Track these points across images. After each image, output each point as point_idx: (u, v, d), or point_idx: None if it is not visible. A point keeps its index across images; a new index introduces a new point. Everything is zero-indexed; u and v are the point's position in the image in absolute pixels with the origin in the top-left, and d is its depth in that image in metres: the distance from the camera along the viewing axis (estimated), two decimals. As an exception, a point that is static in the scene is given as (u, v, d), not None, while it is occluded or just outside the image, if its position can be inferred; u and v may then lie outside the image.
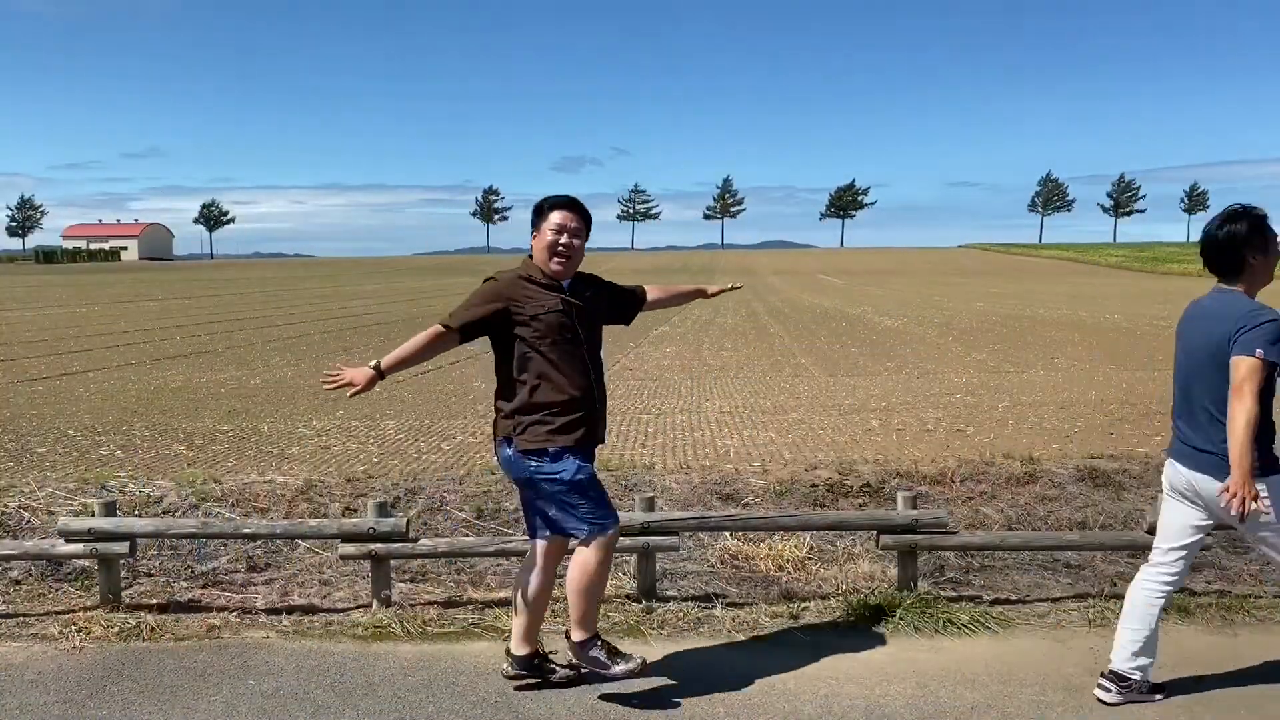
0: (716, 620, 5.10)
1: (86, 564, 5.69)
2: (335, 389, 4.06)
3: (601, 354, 4.27)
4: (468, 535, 6.20)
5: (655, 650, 4.69)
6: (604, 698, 4.16)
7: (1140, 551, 5.88)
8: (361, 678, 4.43)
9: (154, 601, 5.46)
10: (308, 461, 8.37)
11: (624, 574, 5.76)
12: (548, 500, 4.08)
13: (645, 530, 5.29)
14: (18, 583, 5.72)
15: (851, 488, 7.03)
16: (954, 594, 5.48)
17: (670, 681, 4.34)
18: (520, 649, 4.28)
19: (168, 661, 4.61)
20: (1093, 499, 6.84)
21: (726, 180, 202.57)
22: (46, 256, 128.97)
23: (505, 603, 5.32)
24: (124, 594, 5.46)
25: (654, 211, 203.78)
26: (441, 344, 4.10)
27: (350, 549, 5.34)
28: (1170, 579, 4.06)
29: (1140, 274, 66.56)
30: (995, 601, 5.33)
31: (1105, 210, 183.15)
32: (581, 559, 4.06)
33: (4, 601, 5.50)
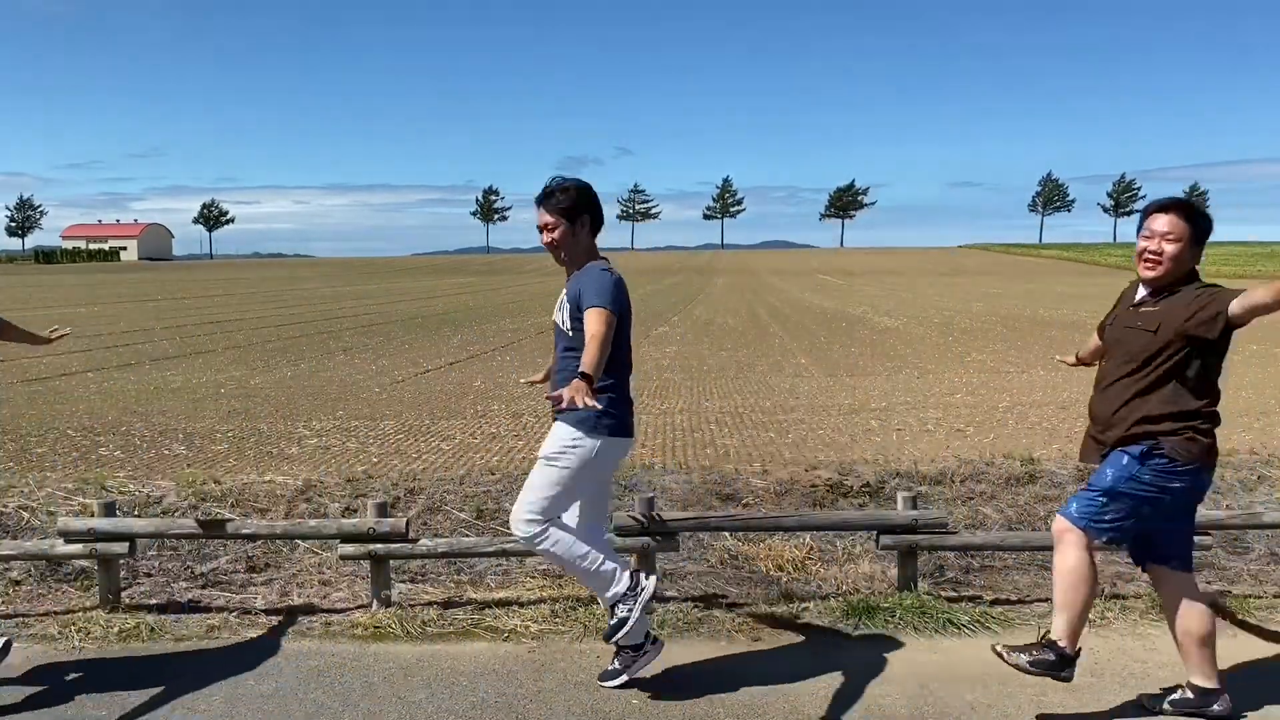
0: (716, 620, 5.09)
1: (86, 564, 5.69)
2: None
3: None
4: (467, 535, 6.20)
5: (655, 650, 4.68)
6: (602, 698, 4.17)
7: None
8: (361, 678, 4.43)
9: (154, 602, 5.45)
10: (307, 462, 8.36)
11: (624, 574, 5.75)
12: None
13: (645, 530, 5.29)
14: (17, 583, 5.71)
15: (851, 488, 7.02)
16: (954, 594, 5.48)
17: (670, 682, 4.34)
18: None
19: (168, 662, 4.61)
20: (1093, 499, 6.83)
21: (726, 180, 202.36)
22: (46, 257, 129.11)
23: (505, 603, 5.33)
24: (124, 594, 5.45)
25: (654, 211, 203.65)
26: None
27: (350, 549, 5.34)
28: None
29: (1140, 274, 66.39)
30: (995, 601, 5.33)
31: (1105, 210, 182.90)
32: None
33: (4, 601, 5.49)
